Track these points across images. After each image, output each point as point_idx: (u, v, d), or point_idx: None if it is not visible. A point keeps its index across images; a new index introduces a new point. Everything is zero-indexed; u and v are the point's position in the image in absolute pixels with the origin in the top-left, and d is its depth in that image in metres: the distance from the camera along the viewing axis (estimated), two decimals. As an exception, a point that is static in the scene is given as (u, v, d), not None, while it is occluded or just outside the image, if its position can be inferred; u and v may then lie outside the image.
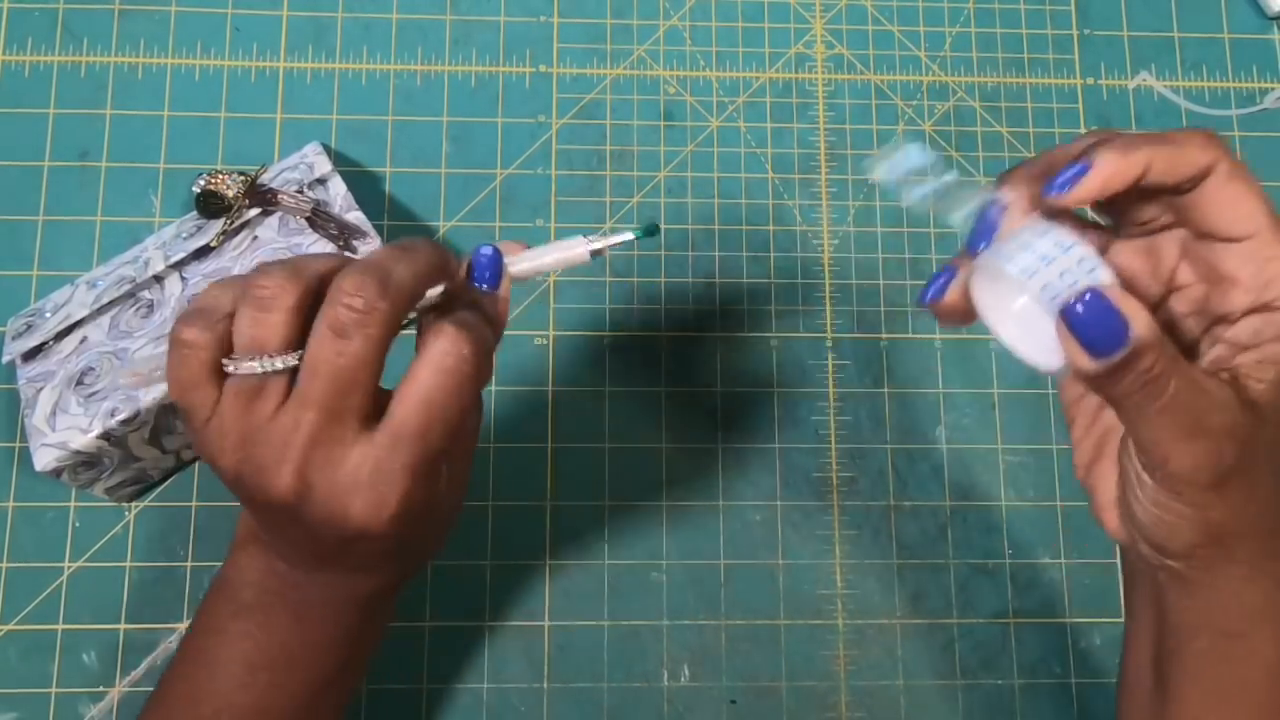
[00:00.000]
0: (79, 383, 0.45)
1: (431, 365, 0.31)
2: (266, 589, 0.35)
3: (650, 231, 0.35)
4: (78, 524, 0.49)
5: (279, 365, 0.30)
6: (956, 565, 0.51)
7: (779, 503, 0.51)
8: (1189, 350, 0.31)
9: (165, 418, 0.46)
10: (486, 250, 0.34)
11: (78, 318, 0.46)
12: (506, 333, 0.52)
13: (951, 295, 0.31)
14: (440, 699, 0.48)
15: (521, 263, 0.34)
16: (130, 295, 0.47)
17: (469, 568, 0.49)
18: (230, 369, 0.30)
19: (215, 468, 0.32)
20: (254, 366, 0.30)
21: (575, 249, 0.34)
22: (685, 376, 0.52)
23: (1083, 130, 0.57)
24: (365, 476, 0.31)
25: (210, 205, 0.48)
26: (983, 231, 0.30)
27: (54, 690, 0.47)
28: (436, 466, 0.33)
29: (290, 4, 0.56)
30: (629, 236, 0.35)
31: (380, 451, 0.31)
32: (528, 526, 0.50)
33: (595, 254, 0.34)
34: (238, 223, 0.47)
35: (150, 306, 0.46)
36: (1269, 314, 0.29)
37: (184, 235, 0.48)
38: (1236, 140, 0.57)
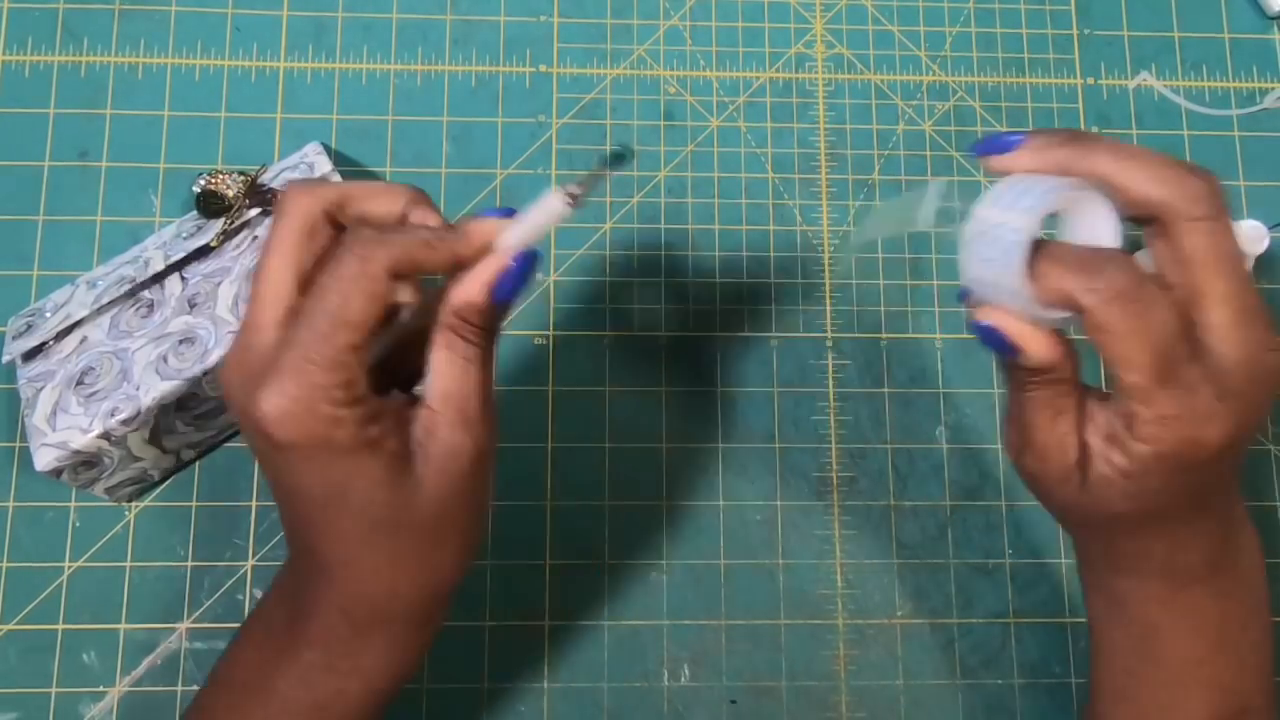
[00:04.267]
0: (79, 383, 0.45)
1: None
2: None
3: (619, 156, 0.33)
4: (78, 524, 0.49)
5: None
6: (956, 565, 0.51)
7: (779, 503, 0.51)
8: None
9: (165, 418, 0.46)
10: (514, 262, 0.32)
11: (78, 318, 0.46)
12: (506, 333, 0.52)
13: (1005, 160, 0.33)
14: (441, 699, 0.48)
15: (511, 239, 0.33)
16: (130, 295, 0.47)
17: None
18: None
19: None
20: None
21: (553, 203, 0.33)
22: (685, 376, 0.52)
23: (1083, 130, 0.57)
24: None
25: (210, 205, 0.48)
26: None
27: (54, 690, 0.47)
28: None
29: (290, 4, 0.56)
30: (601, 171, 0.34)
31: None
32: (528, 526, 0.50)
33: (575, 201, 0.33)
34: (238, 223, 0.47)
35: (150, 306, 0.46)
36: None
37: (184, 235, 0.48)
38: (1236, 140, 0.57)
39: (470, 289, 0.32)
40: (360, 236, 0.31)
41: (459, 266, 0.32)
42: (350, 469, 0.30)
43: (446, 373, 0.32)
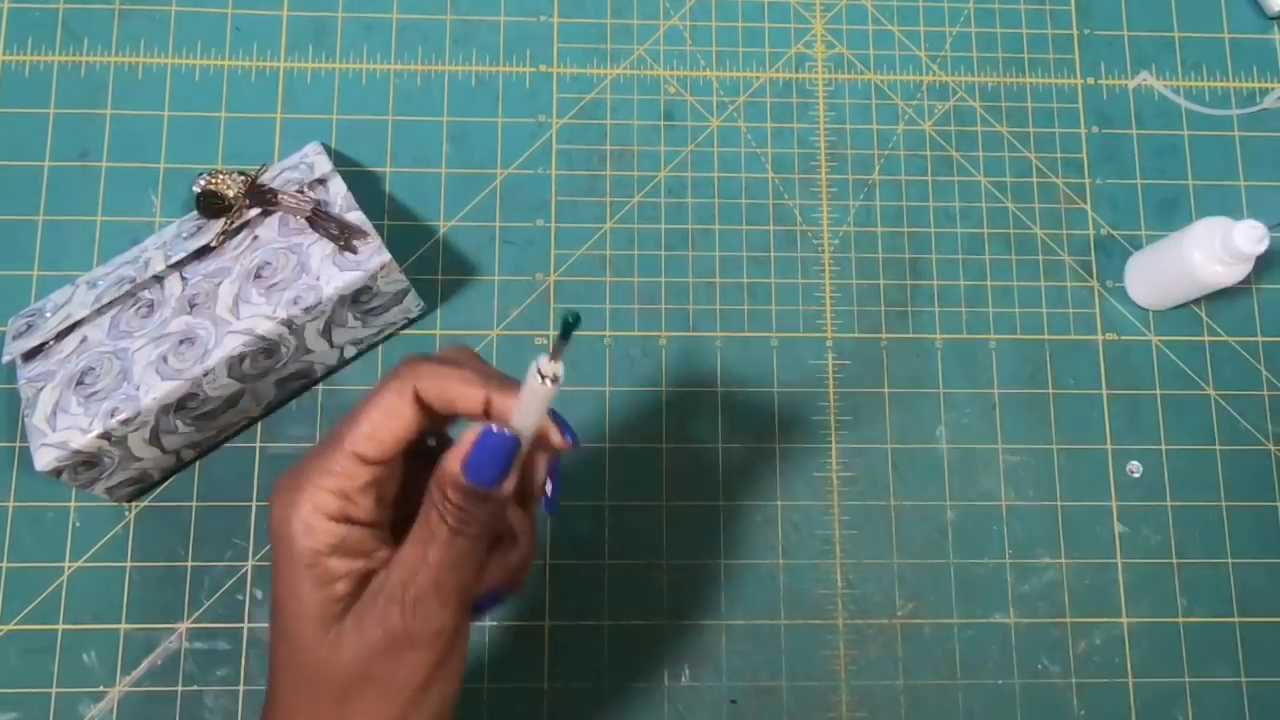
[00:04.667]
0: (79, 383, 0.45)
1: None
2: None
3: (568, 323, 0.28)
4: (78, 524, 0.49)
5: None
6: (956, 565, 0.51)
7: (779, 503, 0.51)
8: None
9: (165, 418, 0.46)
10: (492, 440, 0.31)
11: (78, 318, 0.46)
12: (507, 333, 0.52)
13: None
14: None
15: (514, 421, 0.31)
16: (130, 295, 0.47)
17: (469, 568, 0.49)
18: None
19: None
20: None
21: (535, 386, 0.30)
22: (685, 377, 0.52)
23: (1083, 130, 0.57)
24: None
25: (210, 205, 0.47)
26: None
27: (54, 690, 0.47)
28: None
29: (290, 4, 0.56)
30: (561, 344, 0.29)
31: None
32: (528, 526, 0.50)
33: (555, 381, 0.29)
34: (238, 223, 0.47)
35: (150, 306, 0.46)
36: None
37: (184, 235, 0.48)
38: (1236, 140, 0.57)
39: (450, 458, 0.30)
40: (408, 360, 0.31)
41: (487, 412, 0.31)
42: (292, 586, 0.29)
43: (410, 540, 0.30)
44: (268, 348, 0.46)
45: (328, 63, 0.55)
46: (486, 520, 0.31)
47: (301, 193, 0.48)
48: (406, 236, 0.53)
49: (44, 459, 0.43)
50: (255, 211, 0.48)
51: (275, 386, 0.49)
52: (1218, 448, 0.53)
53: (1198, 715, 0.50)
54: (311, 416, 0.51)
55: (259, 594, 0.49)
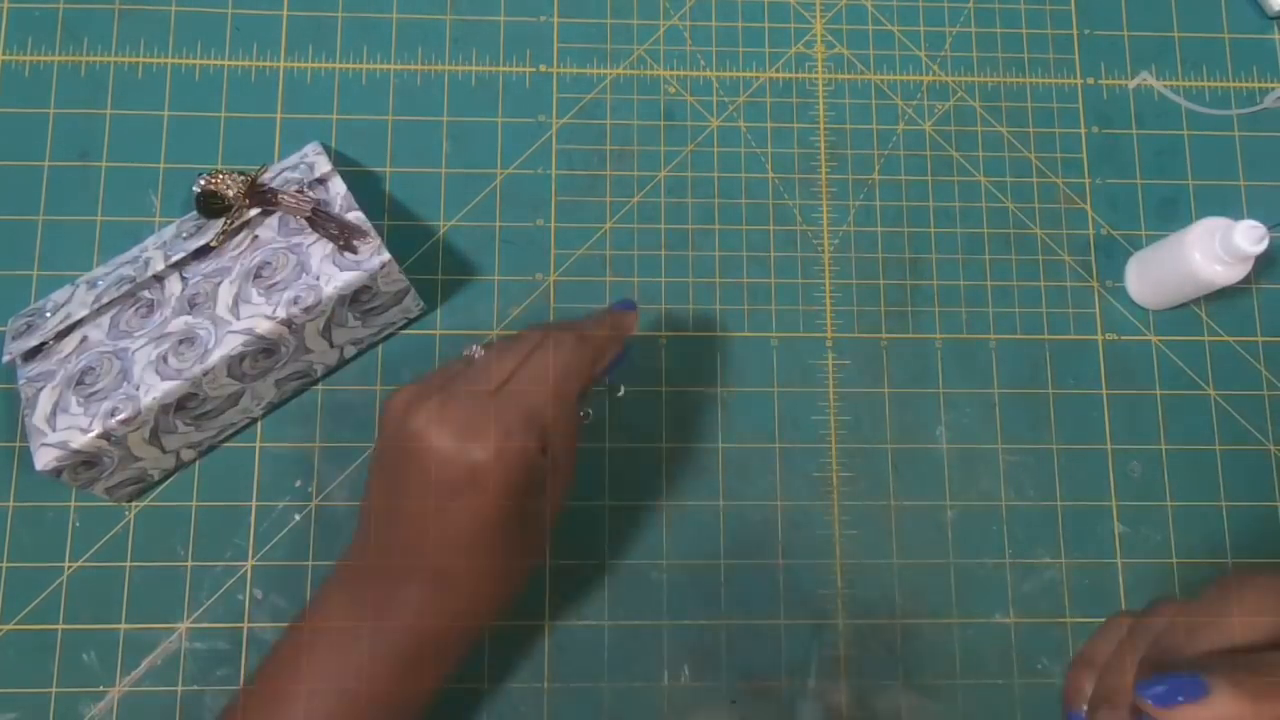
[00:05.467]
0: (79, 383, 0.45)
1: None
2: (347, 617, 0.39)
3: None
4: (78, 524, 0.49)
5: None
6: (956, 565, 0.51)
7: (779, 503, 0.51)
8: None
9: (165, 418, 0.46)
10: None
11: (78, 317, 0.46)
12: (507, 334, 0.52)
13: None
14: (442, 699, 0.48)
15: None
16: (130, 295, 0.47)
17: (469, 568, 0.49)
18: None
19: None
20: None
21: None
22: (685, 376, 0.52)
23: (1083, 130, 0.57)
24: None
25: (210, 205, 0.47)
26: None
27: (54, 690, 0.47)
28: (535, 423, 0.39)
29: (290, 4, 0.56)
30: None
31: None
32: (528, 526, 0.50)
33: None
34: (238, 223, 0.47)
35: (150, 306, 0.46)
36: None
37: (184, 235, 0.48)
38: (1236, 140, 0.57)
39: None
40: (585, 327, 0.42)
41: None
42: (521, 503, 0.39)
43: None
44: (268, 348, 0.46)
45: (328, 63, 0.55)
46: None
47: (301, 193, 0.48)
48: (406, 236, 0.53)
49: (44, 459, 0.43)
50: (255, 211, 0.48)
51: (275, 386, 0.49)
52: (1218, 448, 0.53)
53: (1198, 715, 0.50)
54: (311, 416, 0.51)
55: (259, 594, 0.49)
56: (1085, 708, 0.31)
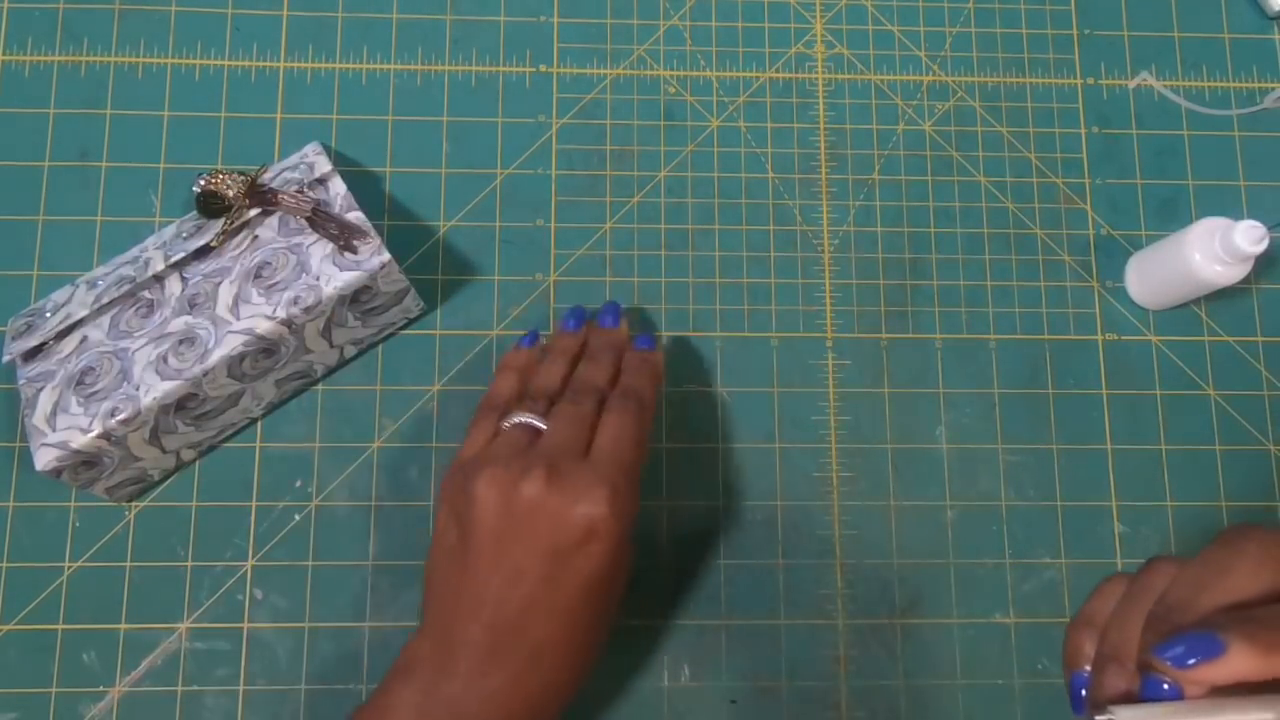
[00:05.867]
0: (79, 383, 0.45)
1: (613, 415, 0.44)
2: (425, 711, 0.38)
3: None
4: (78, 524, 0.49)
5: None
6: (956, 565, 0.51)
7: (779, 503, 0.51)
8: None
9: (165, 418, 0.46)
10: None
11: (78, 317, 0.46)
12: (507, 333, 0.52)
13: None
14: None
15: None
16: (130, 295, 0.47)
17: (469, 568, 0.49)
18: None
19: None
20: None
21: None
22: (685, 377, 0.52)
23: (1083, 130, 0.57)
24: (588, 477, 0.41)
25: (210, 205, 0.47)
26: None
27: (54, 690, 0.47)
28: (632, 482, 0.42)
29: (290, 4, 0.56)
30: None
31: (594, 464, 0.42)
32: (528, 526, 0.50)
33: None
34: (238, 223, 0.47)
35: (150, 306, 0.46)
36: None
37: (184, 235, 0.48)
38: (1236, 140, 0.57)
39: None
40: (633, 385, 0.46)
41: None
42: (625, 560, 0.42)
43: None
44: (267, 348, 0.46)
45: (328, 63, 0.55)
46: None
47: (301, 193, 0.48)
48: (406, 236, 0.53)
49: (44, 459, 0.43)
50: (255, 211, 0.48)
51: (275, 386, 0.49)
52: (1218, 448, 0.53)
53: (1198, 715, 0.50)
54: (311, 416, 0.51)
55: (259, 594, 0.49)
56: (1088, 668, 0.30)
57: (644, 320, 0.53)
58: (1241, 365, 0.54)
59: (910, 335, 0.54)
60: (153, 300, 0.47)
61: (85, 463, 0.45)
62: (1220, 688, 0.26)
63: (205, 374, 0.45)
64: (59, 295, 0.48)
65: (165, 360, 0.45)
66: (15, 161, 0.53)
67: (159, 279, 0.47)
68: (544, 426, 0.43)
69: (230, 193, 0.48)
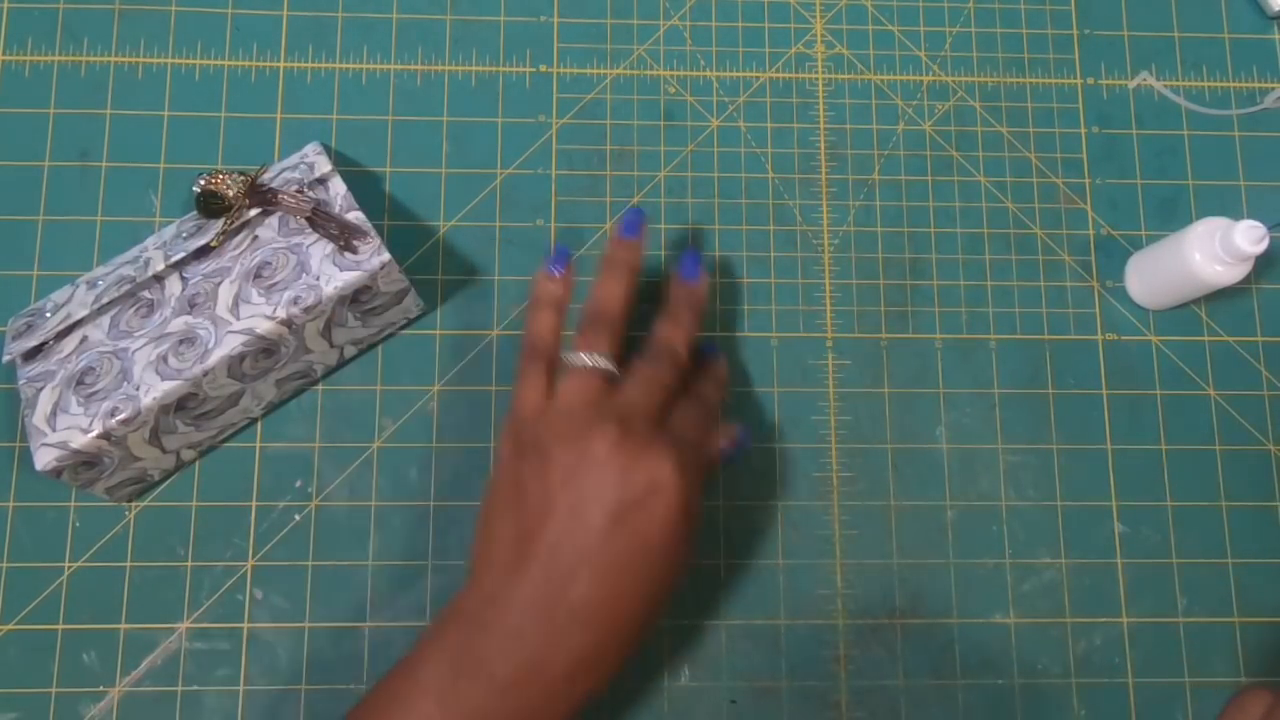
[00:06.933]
0: (79, 383, 0.45)
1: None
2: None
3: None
4: (78, 524, 0.49)
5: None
6: (956, 565, 0.51)
7: (779, 503, 0.51)
8: None
9: (165, 418, 0.46)
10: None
11: (78, 317, 0.46)
12: (507, 333, 0.52)
13: None
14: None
15: None
16: (130, 295, 0.47)
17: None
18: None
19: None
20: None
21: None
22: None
23: (1083, 130, 0.57)
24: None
25: (210, 205, 0.47)
26: None
27: (54, 690, 0.47)
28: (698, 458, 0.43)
29: (290, 4, 0.56)
30: None
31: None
32: (528, 526, 0.50)
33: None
34: (238, 223, 0.47)
35: (150, 306, 0.46)
36: None
37: (184, 235, 0.48)
38: (1236, 140, 0.57)
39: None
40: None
41: None
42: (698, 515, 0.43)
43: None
44: (267, 348, 0.46)
45: (328, 63, 0.55)
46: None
47: (301, 193, 0.48)
48: (406, 236, 0.53)
49: (44, 459, 0.43)
50: (255, 211, 0.48)
51: (275, 386, 0.49)
52: (1218, 448, 0.53)
53: (1197, 715, 0.50)
54: (311, 416, 0.51)
55: (259, 594, 0.49)
56: None
57: (645, 320, 0.53)
58: (1241, 365, 0.54)
59: (910, 335, 0.54)
60: (153, 300, 0.47)
61: (85, 463, 0.45)
62: None
63: (205, 374, 0.45)
64: (59, 295, 0.48)
65: (165, 360, 0.45)
66: (15, 161, 0.53)
67: (159, 279, 0.47)
68: (613, 370, 0.43)
69: (230, 193, 0.48)
